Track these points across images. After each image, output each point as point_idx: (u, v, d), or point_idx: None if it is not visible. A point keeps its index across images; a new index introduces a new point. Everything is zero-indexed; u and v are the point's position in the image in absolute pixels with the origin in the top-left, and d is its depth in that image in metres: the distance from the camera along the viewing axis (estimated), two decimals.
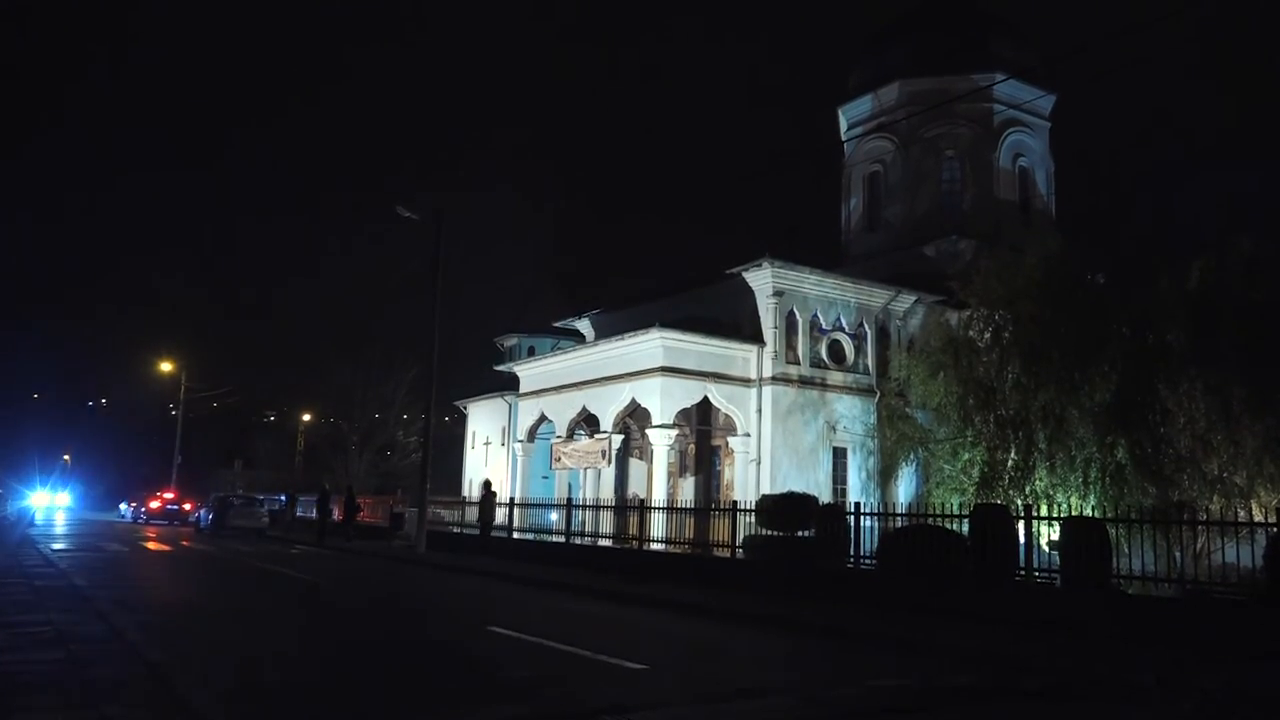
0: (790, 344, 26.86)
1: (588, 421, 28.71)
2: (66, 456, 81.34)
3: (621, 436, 28.18)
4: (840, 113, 37.66)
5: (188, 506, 49.92)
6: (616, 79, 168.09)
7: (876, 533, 16.39)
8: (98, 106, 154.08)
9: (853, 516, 16.37)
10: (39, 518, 49.68)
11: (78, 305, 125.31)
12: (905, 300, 28.57)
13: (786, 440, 26.26)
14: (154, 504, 50.75)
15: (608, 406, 27.06)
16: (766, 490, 23.79)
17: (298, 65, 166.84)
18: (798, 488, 21.86)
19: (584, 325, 34.39)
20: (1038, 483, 20.29)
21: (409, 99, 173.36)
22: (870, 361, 28.06)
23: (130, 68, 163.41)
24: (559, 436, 29.37)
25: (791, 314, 26.91)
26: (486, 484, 25.87)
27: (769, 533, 17.99)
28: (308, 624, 12.57)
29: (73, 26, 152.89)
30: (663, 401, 25.45)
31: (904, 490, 25.92)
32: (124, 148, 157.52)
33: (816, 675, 9.40)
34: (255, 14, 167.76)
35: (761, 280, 26.63)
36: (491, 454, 41.11)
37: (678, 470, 29.46)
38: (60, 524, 44.10)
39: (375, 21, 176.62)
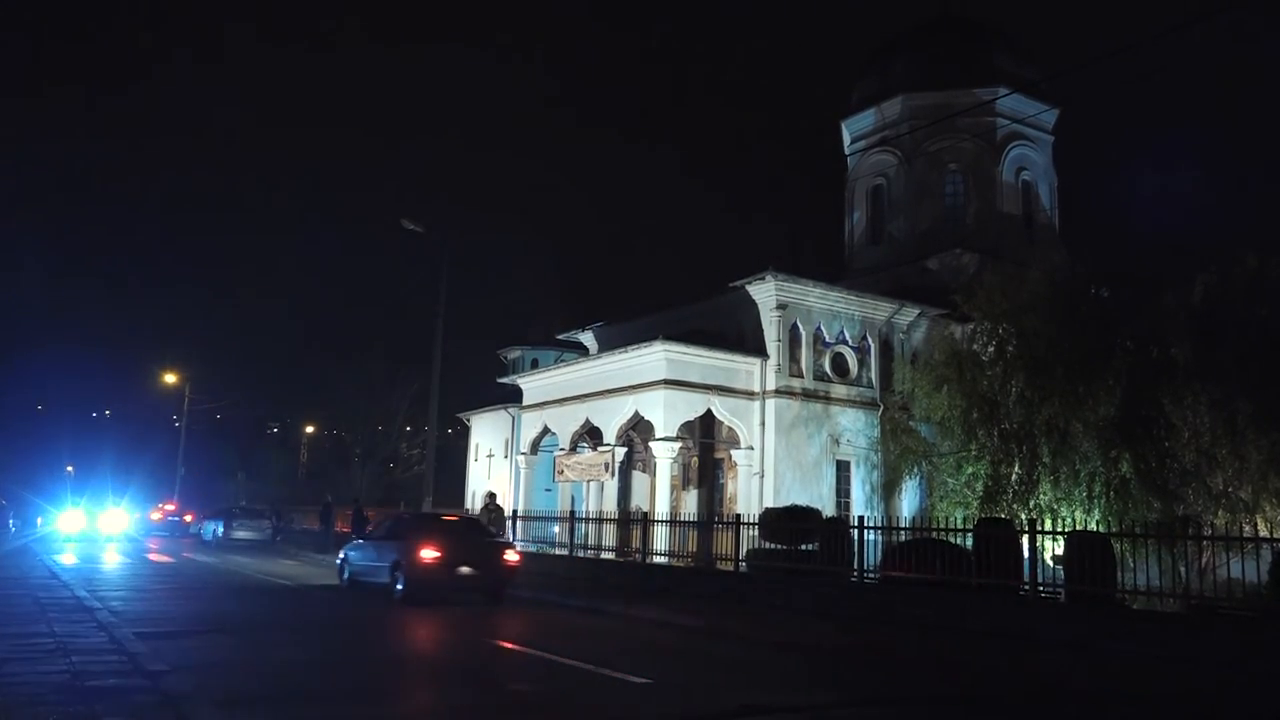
0: (794, 357, 26.84)
1: (591, 434, 28.68)
2: (70, 468, 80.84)
3: (625, 449, 28.15)
4: (843, 126, 37.72)
5: (188, 518, 50.02)
6: (618, 87, 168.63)
7: (880, 546, 16.35)
8: (97, 114, 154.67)
9: (856, 530, 16.32)
10: (67, 556, 27.23)
11: (82, 316, 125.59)
12: (909, 313, 28.55)
13: (790, 453, 26.22)
14: (155, 516, 50.81)
15: (611, 419, 27.04)
16: (770, 503, 23.74)
17: (300, 68, 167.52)
18: (801, 501, 21.83)
19: (587, 338, 34.39)
20: (1042, 497, 20.23)
21: (411, 110, 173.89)
22: (874, 375, 28.03)
23: (131, 72, 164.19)
24: (562, 449, 29.34)
25: (795, 327, 26.90)
26: (491, 496, 25.57)
27: (772, 546, 17.97)
28: (309, 636, 12.55)
29: (68, 26, 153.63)
30: (666, 414, 25.43)
31: (908, 504, 25.86)
32: (124, 155, 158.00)
33: (821, 691, 9.35)
34: (251, 13, 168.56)
35: (765, 293, 26.64)
36: (494, 466, 41.09)
37: (681, 483, 29.41)
38: (114, 561, 26.49)
39: (384, 27, 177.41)
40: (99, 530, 40.53)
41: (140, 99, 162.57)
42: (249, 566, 25.59)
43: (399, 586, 16.43)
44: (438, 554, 16.10)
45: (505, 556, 17.08)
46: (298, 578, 21.69)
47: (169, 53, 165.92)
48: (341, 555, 19.78)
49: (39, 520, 50.40)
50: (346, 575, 19.02)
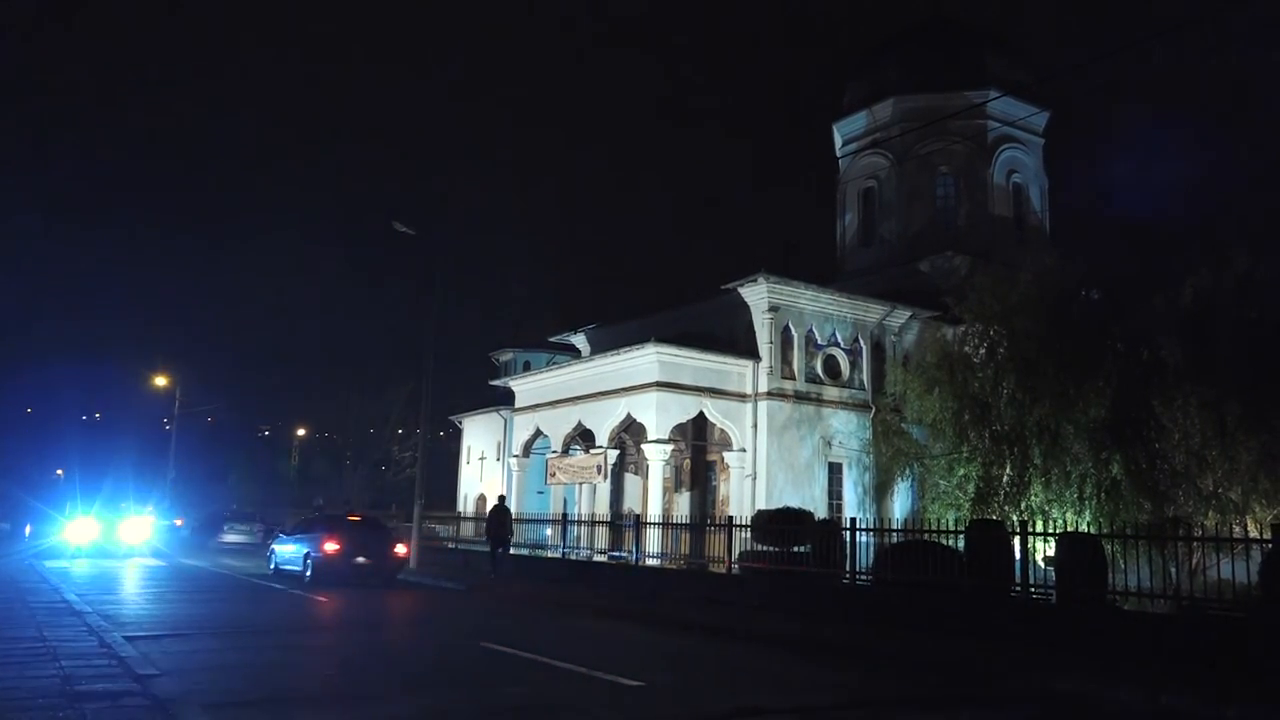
0: (786, 359, 26.86)
1: (583, 436, 28.65)
2: (60, 471, 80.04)
3: (617, 451, 28.13)
4: (835, 129, 37.81)
5: (179, 522, 49.94)
6: (610, 88, 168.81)
7: (872, 548, 16.36)
8: (95, 117, 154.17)
9: (848, 532, 16.33)
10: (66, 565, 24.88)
11: (76, 317, 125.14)
12: (900, 315, 28.61)
13: (782, 455, 26.23)
14: None
15: (603, 421, 27.03)
16: (762, 505, 23.75)
17: (296, 72, 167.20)
18: (793, 503, 21.83)
19: (580, 340, 34.39)
20: (1033, 498, 20.25)
21: (407, 111, 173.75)
22: (865, 377, 28.07)
23: (128, 72, 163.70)
24: (554, 451, 29.31)
25: (787, 329, 26.93)
26: (501, 499, 25.26)
27: (764, 548, 17.95)
28: (298, 638, 12.51)
29: (71, 41, 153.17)
30: (658, 416, 25.42)
31: (899, 506, 25.87)
32: (122, 157, 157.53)
33: (813, 692, 9.36)
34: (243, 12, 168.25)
35: (757, 295, 26.66)
36: (487, 469, 41.03)
37: (673, 485, 29.40)
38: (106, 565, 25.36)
39: (375, 28, 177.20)
40: (120, 541, 32.74)
41: (132, 103, 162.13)
42: (238, 569, 25.64)
43: (308, 574, 20.28)
44: (338, 547, 20.17)
45: (395, 549, 21.34)
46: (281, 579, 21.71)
47: (160, 51, 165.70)
48: (270, 549, 24.06)
49: (28, 529, 43.90)
50: (273, 565, 23.18)
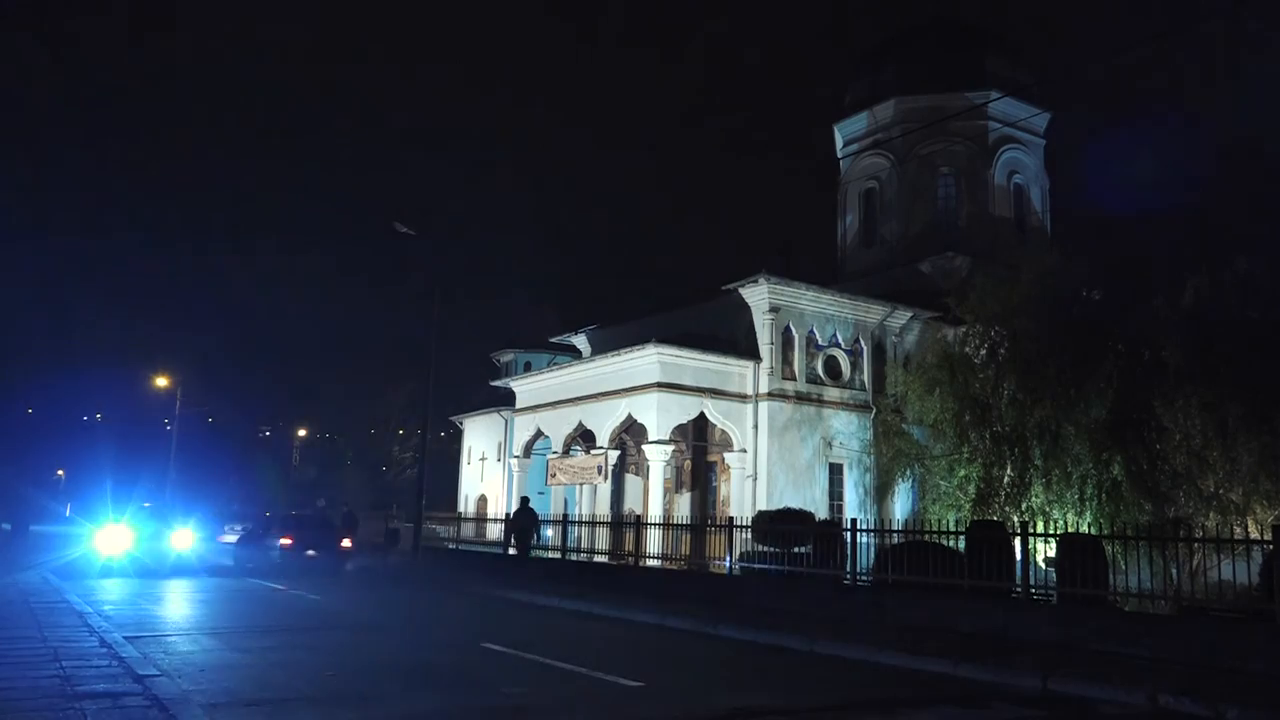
0: (786, 360, 26.87)
1: (584, 437, 28.66)
2: (60, 472, 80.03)
3: (618, 452, 28.13)
4: (836, 129, 37.82)
5: None
6: (611, 91, 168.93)
7: (873, 549, 16.35)
8: (93, 117, 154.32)
9: (849, 533, 16.30)
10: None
11: (79, 319, 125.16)
12: (901, 316, 28.61)
13: (783, 456, 26.23)
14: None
15: (604, 422, 27.04)
16: (763, 506, 23.76)
17: (295, 71, 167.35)
18: (794, 504, 21.86)
19: (580, 341, 34.39)
20: (1034, 499, 20.26)
21: (408, 112, 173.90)
22: (866, 378, 28.07)
23: (128, 73, 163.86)
24: (555, 452, 29.31)
25: (788, 330, 26.93)
26: (524, 500, 25.07)
27: (765, 549, 17.95)
28: (300, 639, 12.51)
29: (73, 36, 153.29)
30: (659, 417, 25.42)
31: (900, 506, 25.88)
32: (122, 157, 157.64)
33: (812, 693, 9.37)
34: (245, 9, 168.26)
35: (758, 296, 26.66)
36: (487, 469, 41.06)
37: (674, 486, 29.40)
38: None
39: (378, 22, 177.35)
40: (171, 548, 26.67)
41: (132, 101, 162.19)
42: (222, 566, 26.06)
43: (266, 566, 23.46)
44: (290, 541, 23.62)
45: (342, 543, 24.68)
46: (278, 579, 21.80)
47: (164, 55, 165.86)
48: (237, 544, 27.80)
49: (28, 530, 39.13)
50: (237, 559, 26.25)
